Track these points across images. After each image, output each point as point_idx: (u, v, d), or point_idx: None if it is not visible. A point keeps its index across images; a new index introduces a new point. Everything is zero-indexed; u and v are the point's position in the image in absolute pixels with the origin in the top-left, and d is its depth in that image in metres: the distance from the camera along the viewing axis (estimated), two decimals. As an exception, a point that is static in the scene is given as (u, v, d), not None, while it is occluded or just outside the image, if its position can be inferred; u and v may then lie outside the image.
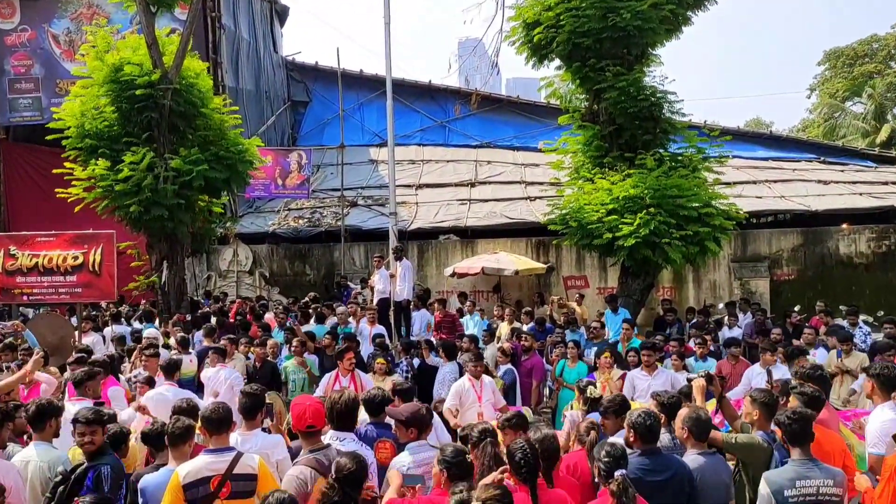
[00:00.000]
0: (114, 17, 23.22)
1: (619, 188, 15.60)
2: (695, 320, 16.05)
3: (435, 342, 12.96)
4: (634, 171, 15.86)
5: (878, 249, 21.37)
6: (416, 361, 12.47)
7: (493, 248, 21.57)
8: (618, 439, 5.85)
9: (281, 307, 17.23)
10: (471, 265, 20.03)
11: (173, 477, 5.33)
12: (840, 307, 16.54)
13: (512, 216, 23.05)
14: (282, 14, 33.82)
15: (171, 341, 13.10)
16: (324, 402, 6.11)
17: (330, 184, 26.71)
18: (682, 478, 5.38)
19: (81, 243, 13.71)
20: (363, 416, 6.77)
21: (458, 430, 6.55)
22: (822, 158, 27.43)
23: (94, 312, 17.21)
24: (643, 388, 9.88)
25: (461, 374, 10.11)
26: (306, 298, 17.98)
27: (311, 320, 15.01)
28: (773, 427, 5.79)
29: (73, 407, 7.11)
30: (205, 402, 7.56)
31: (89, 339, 13.79)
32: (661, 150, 17.02)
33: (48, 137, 17.33)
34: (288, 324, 14.72)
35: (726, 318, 16.16)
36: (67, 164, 16.68)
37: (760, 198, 23.14)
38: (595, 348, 12.45)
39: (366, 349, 12.94)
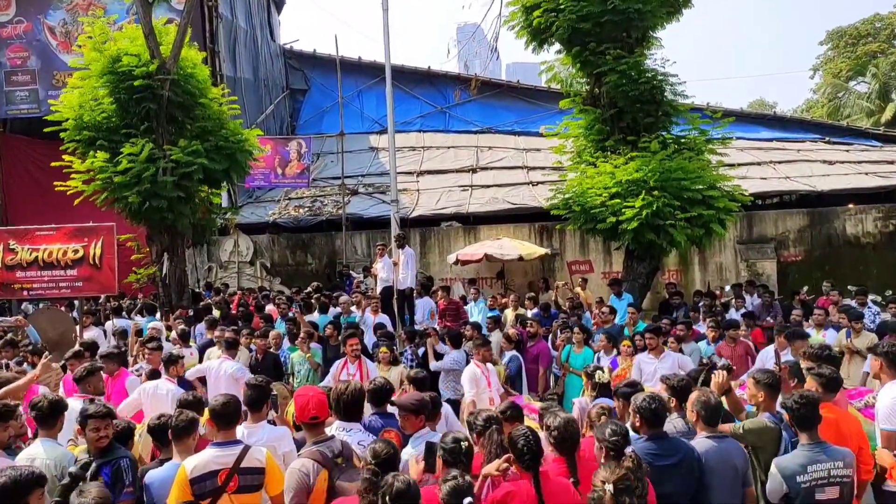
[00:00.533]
0: (110, 7, 23.08)
1: (622, 171, 15.48)
2: (701, 303, 15.91)
3: (439, 330, 12.81)
4: (637, 154, 15.73)
5: (884, 229, 21.24)
6: (420, 351, 12.32)
7: (495, 234, 21.45)
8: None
9: (284, 297, 17.12)
10: (474, 252, 19.94)
11: (180, 471, 5.23)
12: (849, 287, 16.42)
13: (514, 202, 22.94)
14: (279, 2, 33.66)
15: (173, 334, 12.98)
16: (328, 392, 6.01)
17: (330, 172, 26.60)
18: (692, 461, 5.34)
19: (81, 236, 13.55)
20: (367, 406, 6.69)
21: (466, 417, 6.39)
22: (827, 139, 27.36)
23: (95, 307, 17.09)
24: (650, 371, 9.80)
25: (467, 363, 10.01)
26: (309, 289, 17.88)
27: (315, 310, 14.91)
28: (778, 408, 5.81)
29: (75, 403, 6.99)
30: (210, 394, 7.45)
31: (90, 334, 13.66)
32: (663, 133, 16.86)
33: (46, 130, 17.14)
34: (290, 314, 14.61)
35: (733, 300, 16.04)
36: (66, 157, 16.52)
37: (765, 179, 23.03)
38: (602, 334, 12.31)
39: (369, 339, 12.82)
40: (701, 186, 15.42)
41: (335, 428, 5.92)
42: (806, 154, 25.50)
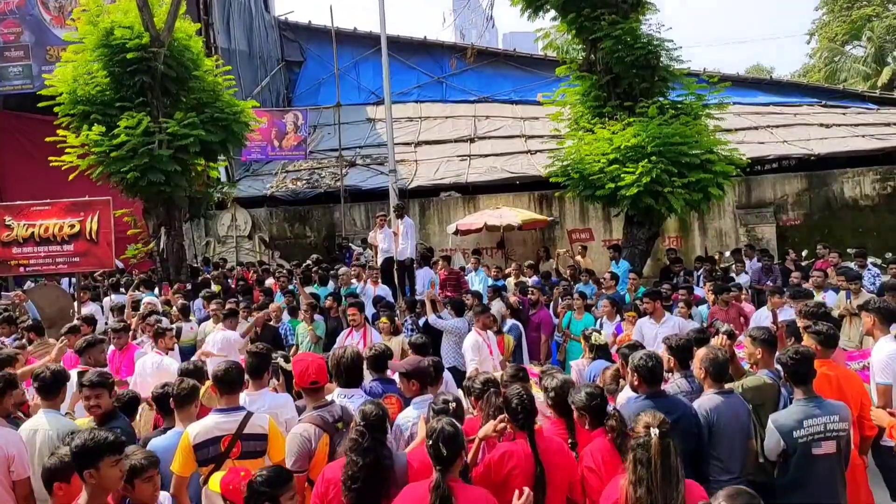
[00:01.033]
0: (105, -20, 22.82)
1: (620, 137, 15.45)
2: (702, 269, 15.89)
3: (441, 300, 12.80)
4: (635, 120, 15.70)
5: (882, 191, 21.21)
6: (421, 321, 12.31)
7: (495, 203, 21.40)
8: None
9: (284, 271, 17.09)
10: (473, 221, 19.88)
11: (184, 437, 5.25)
12: (848, 250, 16.41)
13: (513, 171, 22.86)
14: (272, -27, 33.37)
15: (173, 309, 12.96)
16: (327, 359, 6.01)
17: (327, 144, 26.49)
18: (690, 420, 5.35)
19: (77, 211, 13.50)
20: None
21: (465, 382, 6.43)
22: (824, 102, 27.27)
23: (94, 283, 17.07)
24: (651, 335, 9.77)
25: (469, 330, 10.01)
26: (308, 262, 17.83)
27: (314, 283, 14.89)
28: (776, 365, 5.85)
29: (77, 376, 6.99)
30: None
31: (87, 310, 13.60)
32: (660, 99, 16.82)
33: (40, 105, 17.06)
34: (290, 287, 14.59)
35: (733, 265, 16.03)
36: (60, 132, 16.42)
37: (763, 143, 22.97)
38: (606, 299, 12.29)
39: (369, 311, 12.80)
40: (698, 151, 15.40)
41: (336, 395, 5.92)
42: (803, 118, 25.42)
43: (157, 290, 15.87)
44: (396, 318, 11.45)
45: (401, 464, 4.70)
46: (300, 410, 6.02)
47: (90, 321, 10.96)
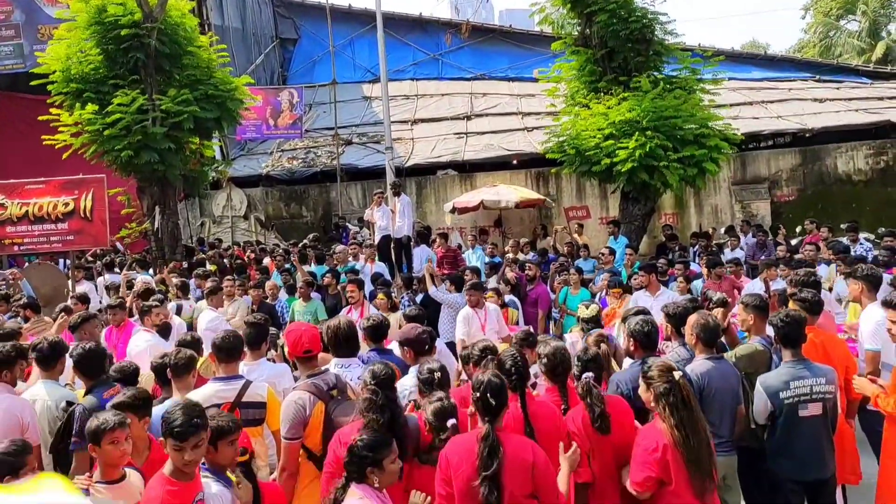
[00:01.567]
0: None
1: (615, 112, 15.47)
2: (697, 244, 15.94)
3: (439, 277, 12.82)
4: (630, 94, 15.70)
5: (876, 165, 21.20)
6: (419, 298, 12.33)
7: (491, 181, 21.37)
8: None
9: (280, 249, 17.09)
10: (470, 199, 19.85)
11: None
12: (841, 225, 16.46)
13: (510, 148, 22.82)
14: (265, -52, 33.11)
15: (171, 288, 12.95)
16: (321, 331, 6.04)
17: (323, 122, 26.43)
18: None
19: (72, 189, 13.47)
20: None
21: (461, 351, 6.56)
22: (818, 77, 27.30)
23: (88, 263, 17.04)
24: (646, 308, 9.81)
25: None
26: (304, 241, 17.82)
27: (311, 262, 14.89)
28: (768, 331, 5.97)
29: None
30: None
31: (82, 288, 13.62)
32: (655, 73, 16.81)
33: (33, 83, 16.93)
34: (287, 266, 14.60)
35: (728, 241, 16.07)
36: (53, 111, 16.34)
37: (757, 119, 22.96)
38: (603, 275, 12.34)
39: (367, 288, 12.81)
40: (693, 126, 15.43)
41: (333, 364, 5.94)
42: (797, 93, 25.40)
43: (151, 270, 15.89)
44: (394, 295, 11.48)
45: (413, 421, 4.76)
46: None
47: (84, 300, 10.97)
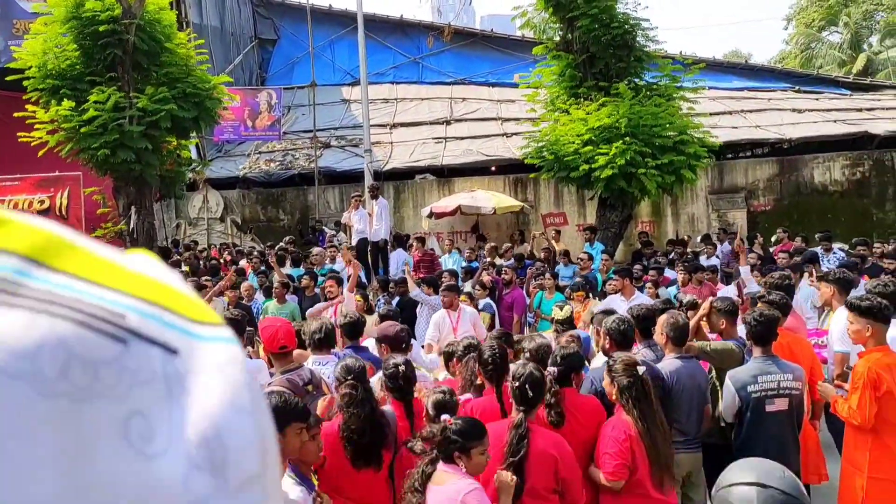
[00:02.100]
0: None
1: (595, 118, 15.50)
2: (673, 252, 16.03)
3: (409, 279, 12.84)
4: (609, 100, 15.72)
5: (852, 176, 21.34)
6: (395, 301, 12.34)
7: (470, 186, 21.35)
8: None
9: (255, 252, 17.01)
10: (448, 204, 19.84)
11: None
12: (816, 235, 16.58)
13: (489, 154, 22.81)
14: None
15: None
16: (298, 328, 6.13)
17: (301, 125, 26.28)
18: (657, 382, 5.46)
19: (47, 187, 13.41)
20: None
21: (444, 347, 6.74)
22: (798, 87, 27.40)
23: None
24: (620, 311, 9.88)
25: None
26: (281, 243, 17.75)
27: (288, 264, 14.84)
28: (740, 333, 6.17)
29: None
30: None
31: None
32: (635, 80, 16.87)
33: (8, 79, 16.75)
34: (263, 268, 14.56)
35: (705, 248, 16.18)
36: (29, 108, 16.17)
37: (736, 128, 23.03)
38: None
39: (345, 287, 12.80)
40: (672, 133, 15.48)
41: (310, 361, 6.04)
42: (777, 103, 25.51)
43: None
44: (370, 298, 11.47)
45: (390, 413, 4.85)
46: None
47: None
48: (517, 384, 4.47)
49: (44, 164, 16.77)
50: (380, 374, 5.78)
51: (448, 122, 25.95)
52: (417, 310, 11.39)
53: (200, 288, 10.83)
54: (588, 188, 16.63)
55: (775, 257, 13.38)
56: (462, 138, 24.39)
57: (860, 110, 24.14)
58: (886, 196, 21.25)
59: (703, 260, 15.15)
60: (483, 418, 4.64)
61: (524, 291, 12.91)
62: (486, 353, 5.13)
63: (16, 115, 16.37)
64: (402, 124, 26.24)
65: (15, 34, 22.05)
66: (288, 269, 14.28)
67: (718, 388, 5.89)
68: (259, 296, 12.74)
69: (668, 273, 13.38)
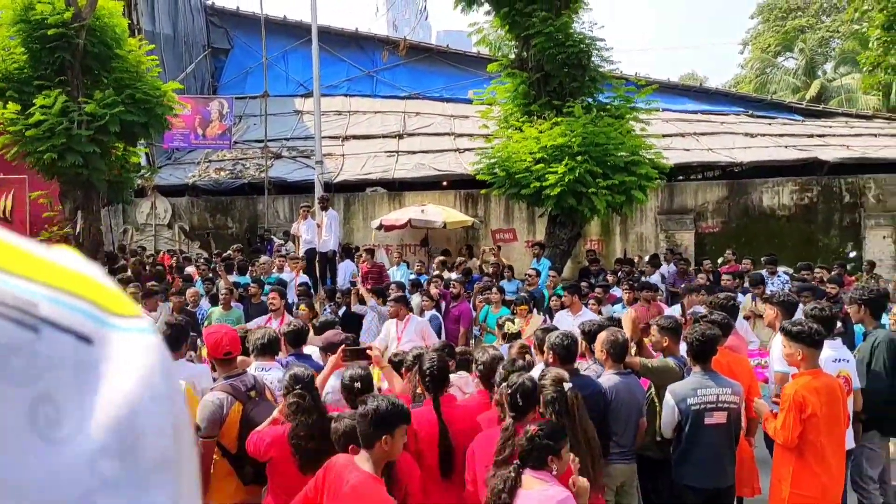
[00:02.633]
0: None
1: (547, 136, 15.52)
2: (620, 271, 16.17)
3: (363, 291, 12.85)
4: (562, 119, 15.79)
5: (800, 201, 21.70)
6: (341, 311, 12.35)
7: (421, 200, 21.34)
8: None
9: (202, 259, 16.86)
10: (398, 217, 19.81)
11: None
12: (762, 259, 16.82)
13: (441, 168, 22.85)
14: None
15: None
16: (242, 335, 6.16)
17: (253, 134, 26.13)
18: (598, 397, 5.70)
19: (-9, 188, 13.12)
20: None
21: (393, 357, 6.89)
22: (751, 112, 27.87)
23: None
24: (566, 327, 9.94)
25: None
26: (229, 251, 17.61)
27: (234, 272, 14.76)
28: (682, 352, 6.29)
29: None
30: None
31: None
32: (589, 100, 16.99)
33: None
34: (210, 275, 14.46)
35: (647, 268, 16.47)
36: (-26, 110, 15.87)
37: (688, 150, 23.33)
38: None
39: (291, 298, 12.74)
40: (623, 153, 15.58)
41: (253, 368, 6.08)
42: (729, 126, 25.92)
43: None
44: (316, 307, 11.45)
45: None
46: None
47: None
48: (509, 391, 4.67)
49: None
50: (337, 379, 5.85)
51: (401, 136, 25.97)
52: (365, 319, 11.44)
53: (150, 294, 10.67)
54: (538, 205, 16.69)
55: (722, 279, 13.56)
56: (414, 152, 24.41)
57: (811, 136, 24.63)
58: (832, 222, 21.65)
59: (644, 279, 15.35)
60: (419, 427, 4.84)
61: (471, 305, 12.93)
62: (426, 365, 5.26)
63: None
64: (355, 137, 26.21)
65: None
66: (234, 277, 14.19)
67: (657, 404, 6.04)
68: (205, 302, 12.67)
69: (616, 291, 13.51)
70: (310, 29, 20.83)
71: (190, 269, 15.86)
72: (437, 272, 15.18)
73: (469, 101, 23.74)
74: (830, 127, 26.11)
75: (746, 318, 10.74)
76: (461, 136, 25.33)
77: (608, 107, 17.03)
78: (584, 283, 13.06)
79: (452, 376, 5.78)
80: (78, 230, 16.52)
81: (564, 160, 15.05)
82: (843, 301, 10.43)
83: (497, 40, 18.23)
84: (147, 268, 16.22)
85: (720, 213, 21.84)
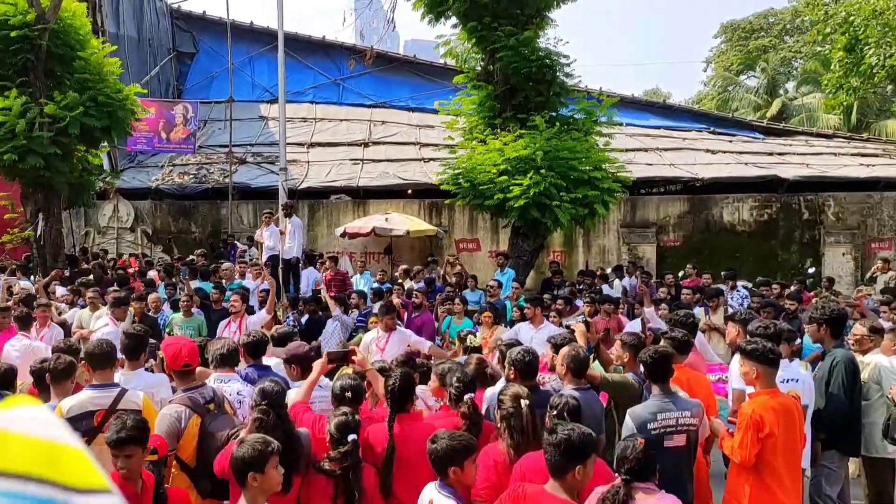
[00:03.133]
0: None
1: (511, 149, 15.64)
2: (582, 283, 16.29)
3: (324, 298, 12.81)
4: (526, 132, 15.93)
5: (759, 217, 22.03)
6: (304, 318, 12.32)
7: (385, 209, 21.35)
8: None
9: (164, 264, 16.75)
10: (362, 225, 19.82)
11: (57, 409, 5.18)
12: (722, 273, 17.05)
13: (405, 177, 22.88)
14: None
15: (52, 295, 12.59)
16: (201, 345, 6.09)
17: (217, 139, 25.99)
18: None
19: (-51, 191, 12.94)
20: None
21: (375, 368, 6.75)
22: (713, 129, 28.24)
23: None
24: (527, 339, 10.00)
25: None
26: (192, 256, 17.51)
27: (198, 276, 14.66)
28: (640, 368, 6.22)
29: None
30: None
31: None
32: (553, 113, 17.13)
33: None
34: (173, 280, 14.36)
35: (612, 280, 16.57)
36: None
37: (651, 165, 23.57)
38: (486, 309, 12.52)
39: (253, 303, 12.67)
40: (587, 167, 15.73)
41: (212, 379, 5.99)
42: (691, 143, 26.23)
43: (32, 277, 15.39)
44: (278, 315, 11.41)
45: (304, 435, 4.92)
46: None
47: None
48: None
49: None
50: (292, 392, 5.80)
51: (366, 145, 25.95)
52: (326, 328, 11.36)
53: (119, 304, 10.55)
54: (502, 216, 16.82)
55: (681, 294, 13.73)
56: (379, 161, 24.42)
57: (771, 154, 25.02)
58: (792, 238, 22.00)
59: (606, 289, 15.49)
60: (375, 443, 5.00)
61: (433, 315, 12.94)
62: (389, 382, 5.33)
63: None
64: (320, 144, 26.14)
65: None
66: (196, 283, 14.08)
67: (615, 416, 6.06)
68: (166, 308, 12.55)
69: (578, 303, 13.60)
70: (276, 35, 20.74)
71: (152, 274, 15.74)
72: (399, 281, 15.20)
73: (435, 111, 23.84)
74: (791, 145, 26.54)
75: (702, 330, 10.85)
76: (426, 145, 25.39)
77: (571, 120, 17.18)
78: (546, 296, 13.06)
79: (417, 389, 5.78)
80: (39, 233, 16.36)
81: (529, 173, 15.17)
82: (801, 319, 10.61)
83: (464, 53, 18.35)
84: (108, 272, 16.06)
85: (682, 227, 22.10)
